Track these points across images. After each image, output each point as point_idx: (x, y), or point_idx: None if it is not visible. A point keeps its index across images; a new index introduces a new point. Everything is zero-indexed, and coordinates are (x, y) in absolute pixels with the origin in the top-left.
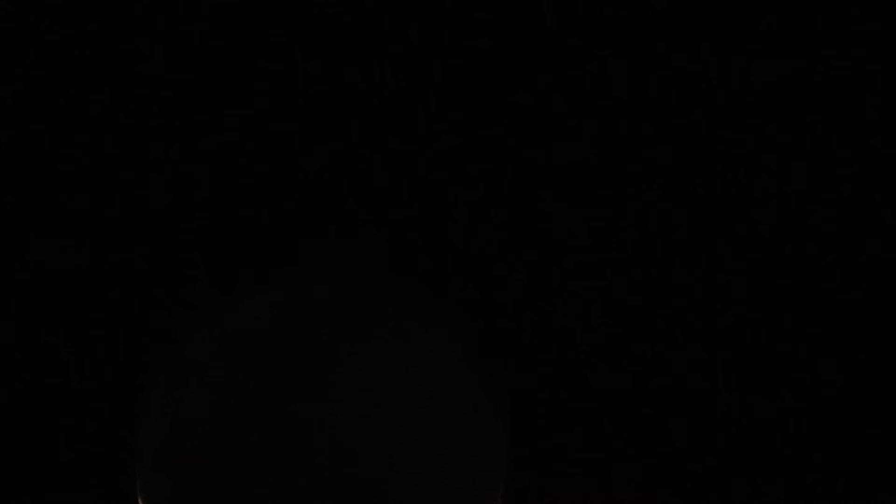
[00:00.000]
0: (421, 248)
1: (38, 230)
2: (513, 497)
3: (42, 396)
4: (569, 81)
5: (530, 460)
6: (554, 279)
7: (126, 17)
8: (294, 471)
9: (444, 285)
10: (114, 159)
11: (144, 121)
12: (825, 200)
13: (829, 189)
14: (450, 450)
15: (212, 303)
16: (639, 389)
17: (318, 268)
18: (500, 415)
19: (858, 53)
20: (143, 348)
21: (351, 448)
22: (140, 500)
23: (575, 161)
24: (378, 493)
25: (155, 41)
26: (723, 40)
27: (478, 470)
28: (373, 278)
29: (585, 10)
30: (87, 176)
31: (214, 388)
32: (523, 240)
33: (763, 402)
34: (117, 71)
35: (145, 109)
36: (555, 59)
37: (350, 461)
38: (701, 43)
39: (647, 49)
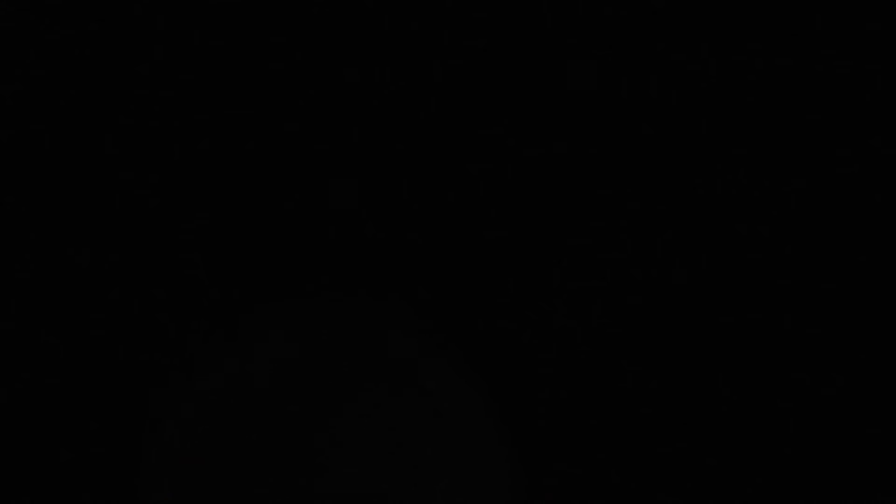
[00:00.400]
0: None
1: (41, 235)
2: None
3: (42, 400)
4: (570, 82)
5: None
6: (552, 280)
7: (125, 17)
8: None
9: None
10: (114, 162)
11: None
12: (825, 201)
13: (830, 189)
14: (455, 458)
15: (218, 340)
16: (638, 391)
17: (319, 314)
18: (507, 458)
19: (859, 54)
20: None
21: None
22: None
23: (575, 160)
24: None
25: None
26: (723, 41)
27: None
28: (370, 331)
29: (585, 12)
30: (90, 176)
31: (218, 440)
32: (521, 241)
33: (763, 403)
34: (114, 78)
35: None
36: (555, 60)
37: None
38: (701, 43)
39: (647, 50)
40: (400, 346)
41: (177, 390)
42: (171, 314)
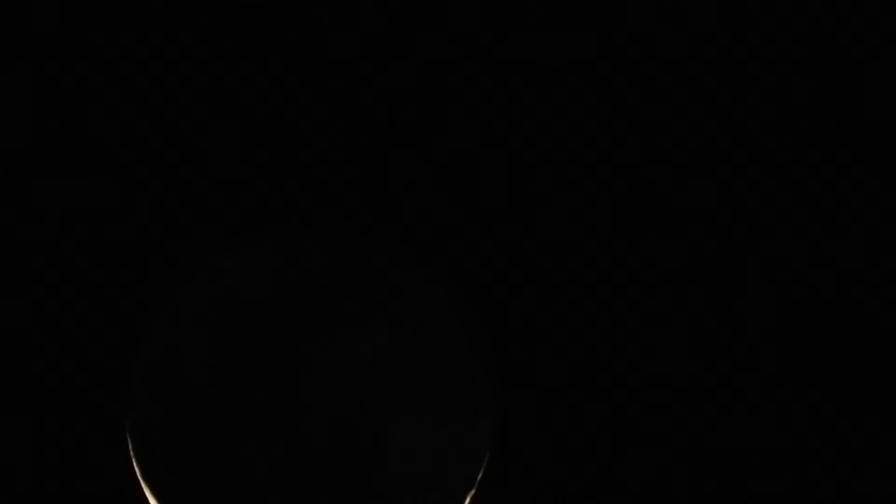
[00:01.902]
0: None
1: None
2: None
3: (42, 311)
4: (575, 84)
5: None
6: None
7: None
8: (286, 431)
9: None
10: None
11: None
12: (825, 202)
13: (829, 190)
14: (439, 408)
15: (213, 257)
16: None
17: (313, 233)
18: (489, 375)
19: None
20: (142, 293)
21: (342, 408)
22: (133, 459)
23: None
24: (367, 453)
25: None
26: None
27: (464, 430)
28: (365, 246)
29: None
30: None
31: (212, 346)
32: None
33: (763, 404)
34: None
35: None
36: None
37: (341, 420)
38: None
39: (649, 51)
40: (386, 270)
41: (177, 300)
42: (178, 228)
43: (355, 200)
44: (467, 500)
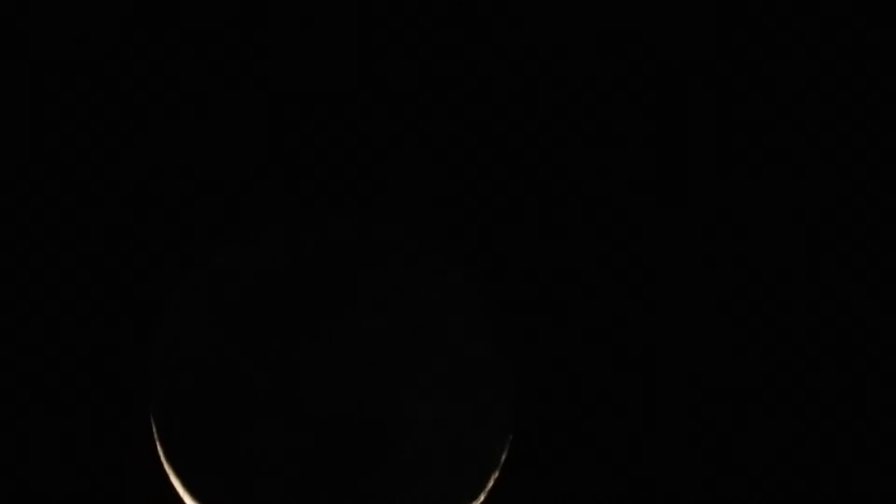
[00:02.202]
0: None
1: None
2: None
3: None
4: (582, 85)
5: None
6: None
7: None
8: (305, 413)
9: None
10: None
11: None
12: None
13: (831, 190)
14: (461, 390)
15: (228, 239)
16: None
17: (330, 213)
18: (508, 354)
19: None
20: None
21: (362, 391)
22: (153, 426)
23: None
24: (390, 435)
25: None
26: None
27: (487, 412)
28: (383, 227)
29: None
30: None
31: (230, 320)
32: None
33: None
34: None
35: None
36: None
37: (361, 403)
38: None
39: (648, 52)
40: (403, 254)
41: (196, 284)
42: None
43: (367, 186)
44: (491, 482)
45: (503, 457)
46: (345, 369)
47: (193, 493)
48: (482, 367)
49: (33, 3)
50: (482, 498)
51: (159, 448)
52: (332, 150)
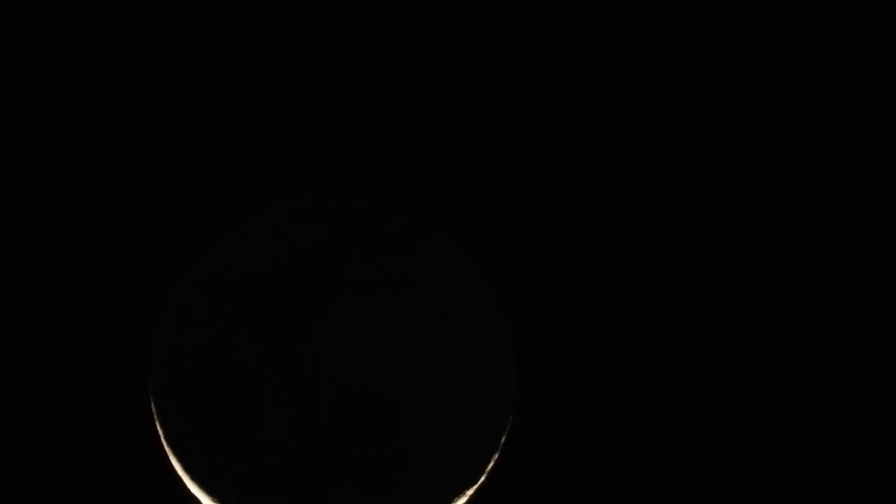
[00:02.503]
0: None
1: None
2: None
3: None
4: (593, 85)
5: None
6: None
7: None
8: (309, 395)
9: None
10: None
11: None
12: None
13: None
14: (462, 372)
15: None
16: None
17: (325, 202)
18: (508, 328)
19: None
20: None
21: (363, 372)
22: (154, 410)
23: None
24: (391, 418)
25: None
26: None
27: (488, 393)
28: (378, 211)
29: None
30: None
31: (233, 311)
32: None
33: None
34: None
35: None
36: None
37: (363, 384)
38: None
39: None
40: (407, 234)
41: (197, 267)
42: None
43: (372, 167)
44: (491, 463)
45: (503, 440)
46: (348, 349)
47: (194, 474)
48: (485, 350)
49: None
50: (482, 479)
51: (160, 431)
52: (340, 135)
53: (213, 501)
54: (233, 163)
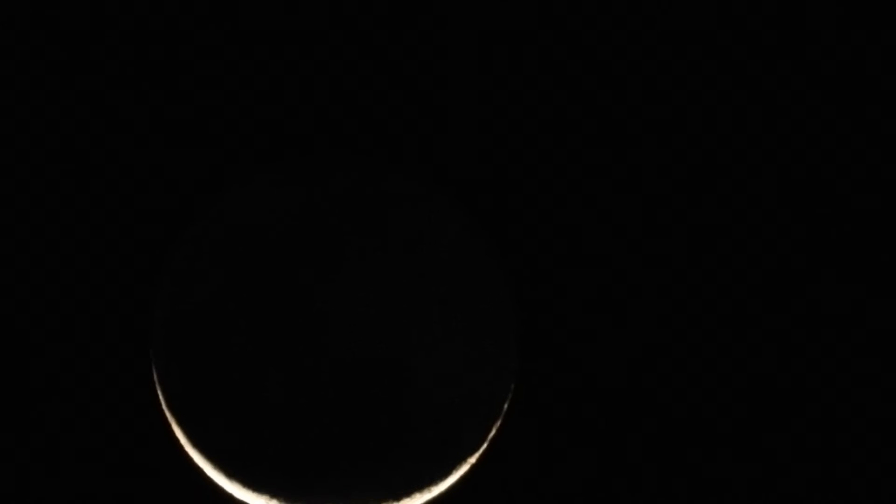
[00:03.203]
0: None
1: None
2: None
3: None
4: (602, 85)
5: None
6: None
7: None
8: (310, 361)
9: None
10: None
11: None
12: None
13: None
14: (464, 339)
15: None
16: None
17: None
18: (508, 285)
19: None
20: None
21: (365, 340)
22: (154, 373)
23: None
24: (393, 384)
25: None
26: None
27: (490, 360)
28: (386, 177)
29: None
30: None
31: (233, 276)
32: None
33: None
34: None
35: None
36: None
37: (365, 352)
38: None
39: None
40: (410, 200)
41: (197, 231)
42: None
43: (373, 131)
44: (493, 430)
45: (505, 406)
46: (350, 314)
47: (195, 440)
48: (488, 318)
49: None
50: (484, 446)
51: (160, 396)
52: (363, 91)
53: (214, 467)
54: (232, 125)
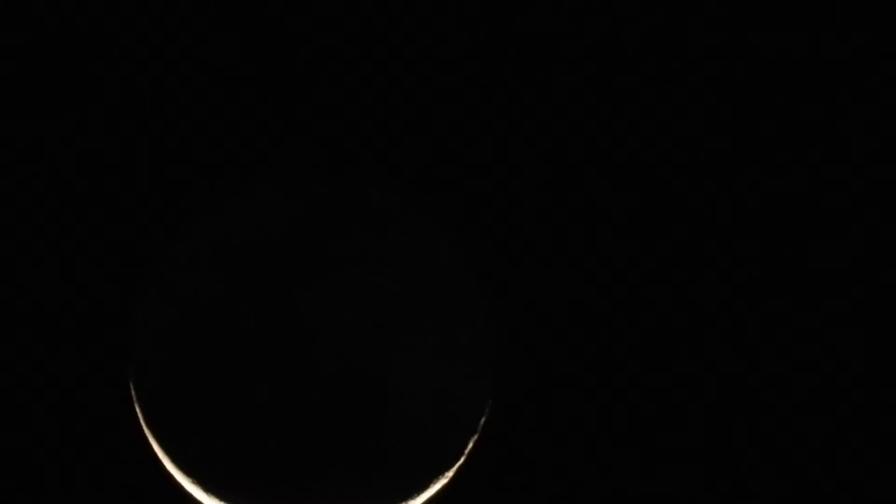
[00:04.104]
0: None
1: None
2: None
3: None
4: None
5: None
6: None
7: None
8: (290, 374)
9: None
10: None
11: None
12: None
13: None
14: (443, 344)
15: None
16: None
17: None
18: (492, 319)
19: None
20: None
21: (346, 350)
22: (131, 385)
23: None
24: (371, 400)
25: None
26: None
27: (467, 376)
28: (367, 189)
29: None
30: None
31: (214, 288)
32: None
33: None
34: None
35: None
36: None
37: (345, 363)
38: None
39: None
40: (390, 213)
41: (180, 244)
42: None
43: (357, 145)
44: (470, 445)
45: (482, 421)
46: (332, 327)
47: (173, 455)
48: (467, 334)
49: None
50: (461, 461)
51: (138, 411)
52: (327, 115)
53: (192, 481)
54: (216, 143)
